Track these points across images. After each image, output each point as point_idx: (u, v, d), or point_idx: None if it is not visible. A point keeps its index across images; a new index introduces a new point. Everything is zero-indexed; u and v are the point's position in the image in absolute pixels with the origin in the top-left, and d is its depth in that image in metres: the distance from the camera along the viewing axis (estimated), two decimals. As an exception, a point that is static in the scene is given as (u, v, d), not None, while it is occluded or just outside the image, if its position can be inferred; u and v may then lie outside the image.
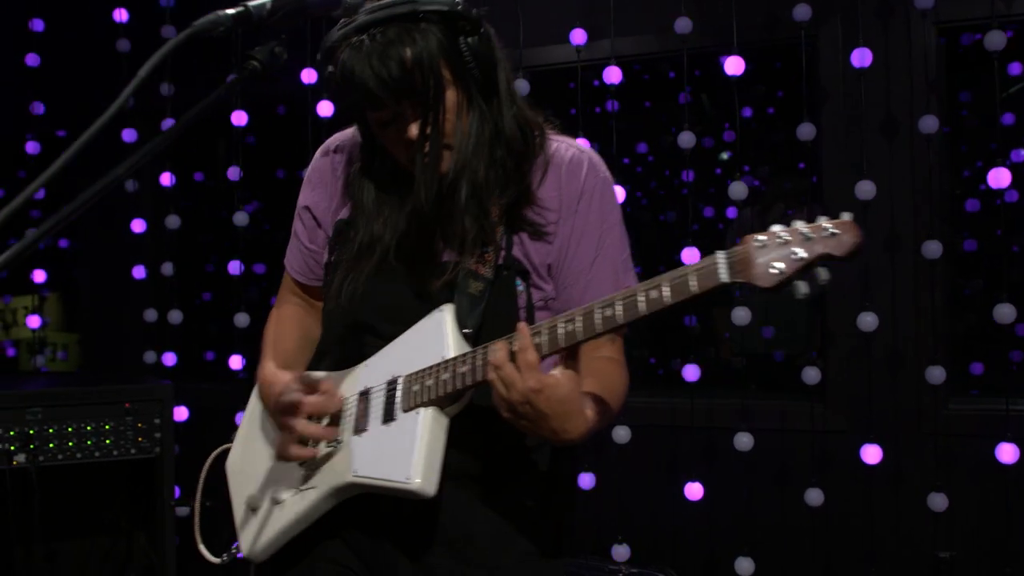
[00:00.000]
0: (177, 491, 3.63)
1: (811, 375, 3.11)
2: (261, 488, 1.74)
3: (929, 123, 2.99)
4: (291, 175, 3.74)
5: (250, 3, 1.09)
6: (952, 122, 3.02)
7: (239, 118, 3.73)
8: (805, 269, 1.23)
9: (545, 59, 3.66)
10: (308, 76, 3.67)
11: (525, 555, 1.63)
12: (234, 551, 1.78)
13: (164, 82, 3.90)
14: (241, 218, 3.75)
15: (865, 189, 3.02)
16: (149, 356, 4.06)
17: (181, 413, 3.86)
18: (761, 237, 1.25)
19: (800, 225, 1.24)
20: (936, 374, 2.98)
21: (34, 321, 4.25)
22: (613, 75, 3.30)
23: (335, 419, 1.65)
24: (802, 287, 1.23)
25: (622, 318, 1.33)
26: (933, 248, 2.98)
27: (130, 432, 3.35)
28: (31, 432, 3.21)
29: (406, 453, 1.49)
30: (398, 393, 1.56)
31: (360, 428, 1.60)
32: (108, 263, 4.39)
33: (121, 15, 3.97)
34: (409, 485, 1.46)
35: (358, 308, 1.65)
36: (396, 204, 1.62)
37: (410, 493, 1.47)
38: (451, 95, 1.50)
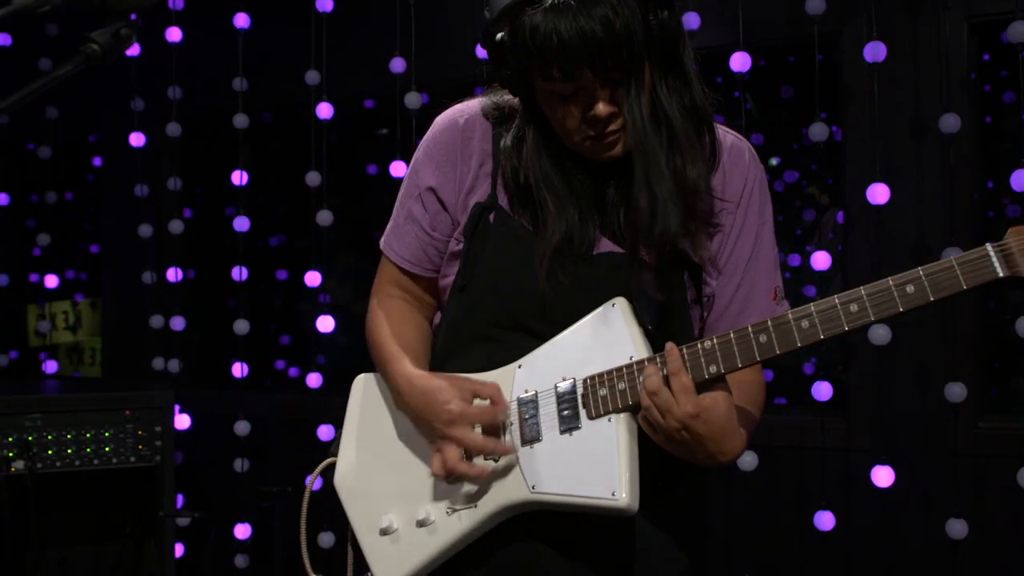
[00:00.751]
0: (180, 500, 3.59)
1: (822, 391, 2.93)
2: (397, 508, 1.56)
3: (950, 122, 2.79)
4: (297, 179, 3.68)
5: (88, -21, 0.98)
6: (992, 122, 2.83)
7: (241, 122, 3.67)
8: None
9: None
10: (311, 78, 3.60)
11: (689, 565, 1.55)
12: None
13: (171, 86, 3.86)
14: (242, 223, 3.68)
15: (879, 192, 2.83)
16: (158, 362, 4.02)
17: (183, 421, 3.81)
18: None
19: None
20: (956, 391, 2.78)
21: (44, 327, 4.27)
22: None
23: (491, 430, 1.48)
24: None
25: (830, 327, 1.28)
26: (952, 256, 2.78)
27: (130, 440, 3.34)
28: (30, 439, 3.21)
29: (606, 466, 1.36)
30: (578, 398, 1.43)
31: (530, 438, 1.46)
32: (124, 268, 4.38)
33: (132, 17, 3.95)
34: (617, 503, 1.33)
35: (509, 301, 1.52)
36: (564, 191, 1.48)
37: (615, 511, 1.35)
38: (647, 71, 1.38)
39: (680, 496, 1.56)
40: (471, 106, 1.61)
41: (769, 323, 1.31)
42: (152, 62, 3.91)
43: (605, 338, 1.43)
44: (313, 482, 1.67)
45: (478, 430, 1.47)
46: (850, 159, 3.15)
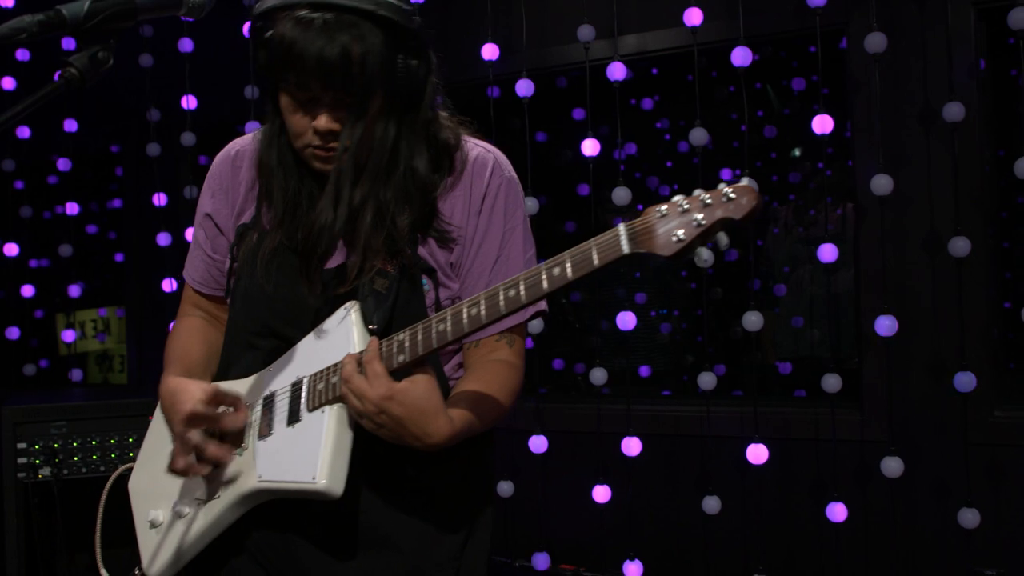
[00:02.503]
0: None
1: (831, 383, 2.94)
2: (162, 503, 1.66)
3: (954, 111, 2.79)
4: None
5: (65, 7, 1.02)
6: (1004, 110, 2.82)
7: (252, 129, 3.72)
8: (706, 235, 1.23)
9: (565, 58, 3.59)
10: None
11: (446, 559, 1.59)
12: (138, 573, 1.68)
13: (186, 94, 3.92)
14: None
15: (881, 183, 2.83)
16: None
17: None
18: (662, 207, 1.26)
19: (700, 192, 1.24)
20: (965, 381, 2.77)
21: (69, 336, 4.34)
22: (618, 71, 3.19)
23: (239, 431, 1.58)
24: (704, 254, 1.24)
25: (493, 312, 1.34)
26: (960, 246, 2.78)
27: (154, 445, 3.38)
28: (55, 446, 3.26)
29: (312, 453, 1.44)
30: (303, 393, 1.51)
31: (264, 432, 1.55)
32: (147, 277, 4.45)
33: (145, 29, 4.02)
34: (315, 486, 1.41)
35: (263, 313, 1.62)
36: (304, 207, 1.57)
37: (317, 494, 1.42)
38: (375, 104, 1.48)
39: (438, 480, 1.60)
40: (244, 139, 1.74)
41: (448, 313, 1.39)
42: (166, 72, 3.97)
43: (335, 339, 1.52)
44: (108, 487, 1.81)
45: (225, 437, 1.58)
46: (858, 151, 3.15)
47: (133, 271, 4.58)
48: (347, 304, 1.52)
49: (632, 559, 3.16)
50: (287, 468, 1.47)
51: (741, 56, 2.99)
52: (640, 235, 1.25)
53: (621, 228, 1.26)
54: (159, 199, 4.08)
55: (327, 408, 1.46)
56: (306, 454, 1.44)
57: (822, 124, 2.92)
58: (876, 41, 2.87)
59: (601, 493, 3.26)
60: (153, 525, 1.66)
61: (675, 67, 3.84)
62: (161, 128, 4.06)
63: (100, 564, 1.80)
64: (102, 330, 5.28)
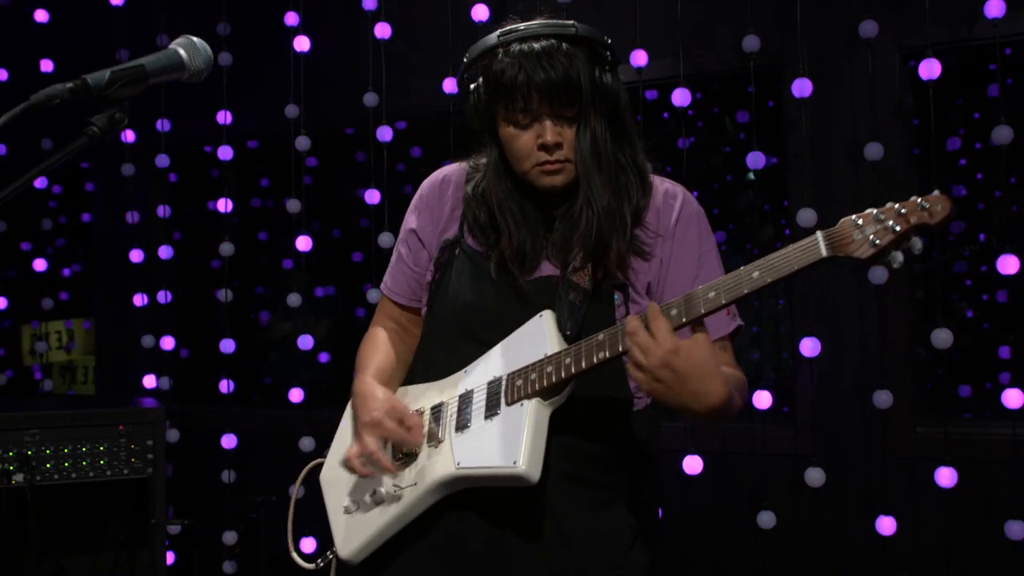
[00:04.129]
0: (170, 510, 3.77)
1: (763, 398, 3.17)
2: (358, 490, 1.80)
3: (874, 150, 3.04)
4: (276, 205, 3.92)
5: (89, 76, 1.22)
6: (931, 147, 3.04)
7: (225, 153, 3.91)
8: (900, 240, 1.36)
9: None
10: (291, 112, 3.84)
11: (617, 564, 1.71)
12: (329, 555, 1.84)
13: (161, 118, 4.09)
14: (227, 248, 3.91)
15: (806, 216, 3.08)
16: (149, 380, 4.23)
17: (173, 435, 4.01)
18: (856, 217, 1.39)
19: (893, 203, 1.39)
20: (883, 398, 3.01)
21: (42, 346, 4.47)
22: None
23: (434, 422, 1.76)
24: (899, 257, 1.37)
25: (724, 299, 1.45)
26: (878, 274, 3.02)
27: (124, 453, 3.49)
28: (29, 453, 3.36)
29: (512, 441, 1.57)
30: (501, 389, 1.66)
31: (462, 425, 1.70)
32: (115, 290, 4.58)
33: (122, 54, 4.19)
34: (516, 470, 1.54)
35: (462, 318, 1.79)
36: (519, 215, 1.76)
37: (516, 478, 1.55)
38: (592, 114, 1.69)
39: (616, 489, 1.74)
40: (452, 166, 1.94)
41: (703, 288, 1.50)
42: (142, 95, 4.12)
43: (530, 342, 1.68)
44: (303, 476, 1.97)
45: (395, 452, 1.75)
46: (792, 184, 3.38)
47: (102, 285, 4.71)
48: (542, 312, 1.69)
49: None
50: (487, 454, 1.61)
51: (680, 96, 3.23)
52: (837, 241, 1.39)
53: (819, 235, 1.40)
54: (132, 216, 4.24)
55: (525, 402, 1.61)
56: (507, 442, 1.59)
57: (755, 160, 3.16)
58: (803, 86, 3.12)
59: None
60: (347, 511, 1.81)
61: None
62: (135, 150, 4.22)
63: (292, 548, 1.92)
64: (68, 342, 5.37)
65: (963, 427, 3.21)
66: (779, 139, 3.49)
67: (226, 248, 3.91)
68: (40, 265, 4.43)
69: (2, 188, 1.10)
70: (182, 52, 1.34)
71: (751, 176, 5.66)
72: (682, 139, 3.36)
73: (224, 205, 3.95)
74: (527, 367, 1.64)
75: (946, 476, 2.94)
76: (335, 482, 1.89)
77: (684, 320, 1.48)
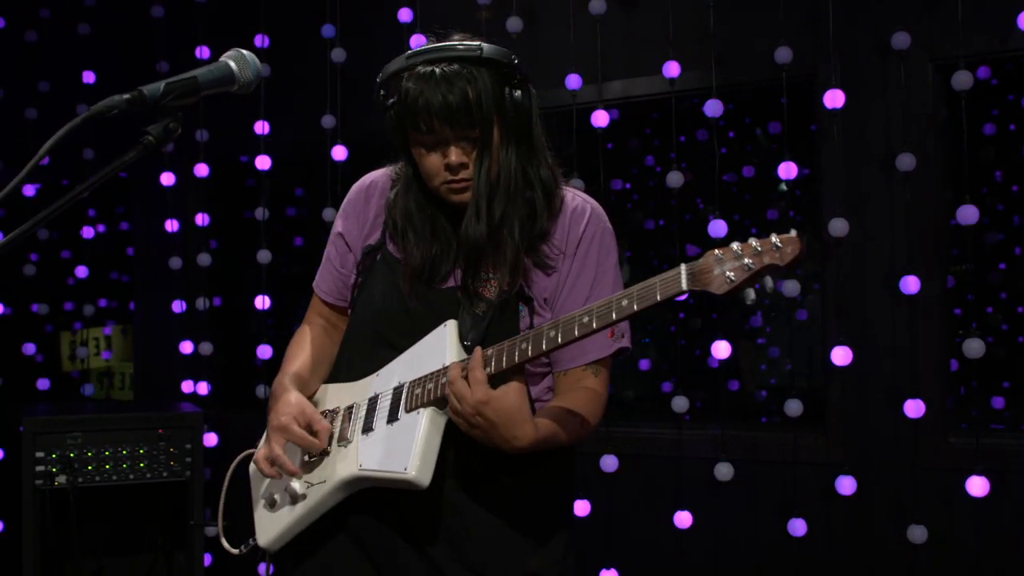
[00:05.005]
0: (208, 513, 3.83)
1: (793, 407, 3.18)
2: (275, 484, 1.92)
3: (906, 161, 3.05)
4: (313, 214, 3.98)
5: (145, 88, 1.27)
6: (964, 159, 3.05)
7: (263, 162, 3.98)
8: (753, 278, 1.42)
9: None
10: (327, 122, 3.90)
11: (527, 550, 1.81)
12: (252, 542, 1.96)
13: (199, 129, 4.18)
14: (264, 256, 3.98)
15: (837, 226, 3.09)
16: (187, 385, 4.30)
17: (211, 439, 4.08)
18: (719, 251, 1.45)
19: (753, 240, 1.43)
20: (915, 408, 3.02)
21: (82, 352, 4.56)
22: (601, 118, 3.46)
23: (346, 422, 1.85)
24: (750, 294, 1.47)
25: (595, 323, 1.54)
26: (911, 283, 3.03)
27: (163, 456, 3.58)
28: (71, 455, 3.45)
29: (406, 447, 1.67)
30: (403, 396, 1.75)
31: (368, 428, 1.79)
32: (154, 297, 4.68)
33: (162, 65, 4.27)
34: (406, 475, 1.65)
35: (378, 323, 1.88)
36: (426, 230, 1.83)
37: (407, 483, 1.65)
38: (495, 134, 1.75)
39: (518, 488, 1.82)
40: (380, 171, 2.01)
41: (530, 334, 1.61)
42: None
43: (433, 351, 1.77)
44: (233, 467, 2.07)
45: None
46: (824, 194, 3.39)
47: (141, 292, 4.80)
48: (446, 322, 1.77)
49: (608, 568, 3.38)
50: (384, 459, 1.72)
51: (712, 108, 3.26)
52: (699, 274, 1.45)
53: (683, 268, 1.46)
54: (171, 225, 4.32)
55: (422, 410, 1.70)
56: (401, 448, 1.69)
57: (787, 170, 3.18)
58: (835, 97, 3.13)
59: (580, 507, 3.50)
60: (267, 503, 1.93)
61: (663, 110, 4.08)
62: (173, 159, 4.31)
63: (221, 534, 2.06)
64: (105, 348, 5.46)
65: (995, 437, 3.20)
66: (811, 150, 3.50)
67: (263, 255, 3.98)
68: (81, 272, 4.52)
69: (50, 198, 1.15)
70: (232, 64, 1.40)
71: (783, 187, 5.68)
72: (719, 151, 3.39)
73: (261, 213, 4.02)
74: (426, 376, 1.73)
75: (978, 486, 2.94)
76: (258, 475, 1.99)
77: (560, 341, 1.57)
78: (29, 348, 4.60)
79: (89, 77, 4.50)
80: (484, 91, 1.70)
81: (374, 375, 1.87)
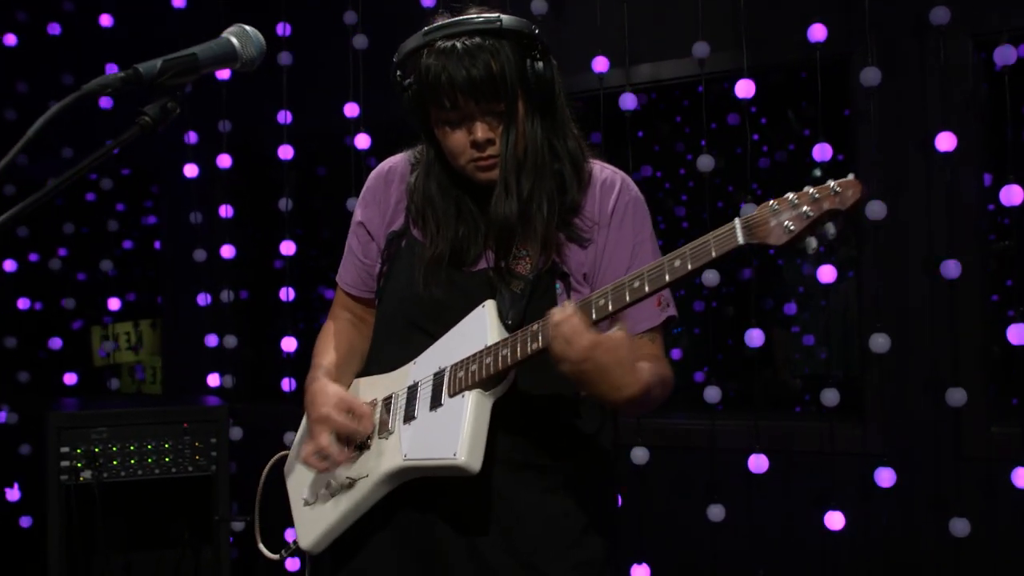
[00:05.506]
0: (234, 507, 3.81)
1: (829, 397, 3.08)
2: (315, 483, 1.86)
3: (947, 140, 2.94)
4: (336, 204, 3.92)
5: (141, 65, 1.21)
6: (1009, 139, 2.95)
7: (286, 152, 3.93)
8: (814, 225, 1.36)
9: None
10: (351, 110, 3.84)
11: (576, 539, 1.75)
12: (293, 546, 1.89)
13: (222, 119, 4.14)
14: (288, 247, 3.93)
15: (875, 209, 2.99)
16: (213, 379, 4.27)
17: (237, 433, 4.05)
18: (774, 202, 1.38)
19: (809, 188, 1.37)
20: (957, 396, 2.91)
21: (108, 347, 4.55)
22: (629, 101, 3.37)
23: (385, 413, 1.80)
24: (812, 243, 1.37)
25: (648, 287, 1.47)
26: (951, 268, 2.92)
27: (188, 451, 3.55)
28: (96, 450, 3.44)
29: (453, 432, 1.60)
30: (444, 381, 1.68)
31: (409, 417, 1.73)
32: (180, 291, 4.65)
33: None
34: (456, 461, 1.57)
35: (409, 310, 1.82)
36: (450, 213, 1.78)
37: (457, 469, 1.58)
38: (520, 107, 1.69)
39: (565, 475, 1.76)
40: (398, 156, 1.96)
41: (608, 288, 1.53)
42: (203, 96, 4.18)
43: (472, 333, 1.70)
44: (268, 470, 2.01)
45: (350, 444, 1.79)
46: (861, 179, 3.26)
47: (168, 286, 4.78)
48: (484, 303, 1.71)
49: (640, 563, 3.30)
50: (430, 446, 1.65)
51: (744, 88, 3.16)
52: (754, 227, 1.38)
53: (736, 222, 1.40)
54: (195, 217, 4.29)
55: (467, 393, 1.63)
56: (448, 433, 1.61)
57: (822, 152, 3.08)
58: (871, 76, 3.03)
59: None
60: (307, 503, 1.86)
61: (692, 96, 4.00)
62: (197, 151, 4.27)
63: (259, 539, 2.01)
64: (136, 342, 5.46)
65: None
66: (846, 132, 3.40)
67: (287, 247, 3.93)
68: (107, 266, 4.51)
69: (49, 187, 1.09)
70: (234, 41, 1.33)
71: (817, 172, 5.57)
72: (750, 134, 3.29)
73: (284, 204, 3.97)
74: (468, 358, 1.66)
75: (1022, 475, 2.83)
76: (295, 475, 1.94)
77: (611, 309, 1.51)
78: (56, 343, 4.60)
79: (112, 69, 4.48)
80: (507, 63, 1.65)
81: (411, 363, 1.81)
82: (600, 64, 3.48)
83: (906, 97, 3.21)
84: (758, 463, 3.19)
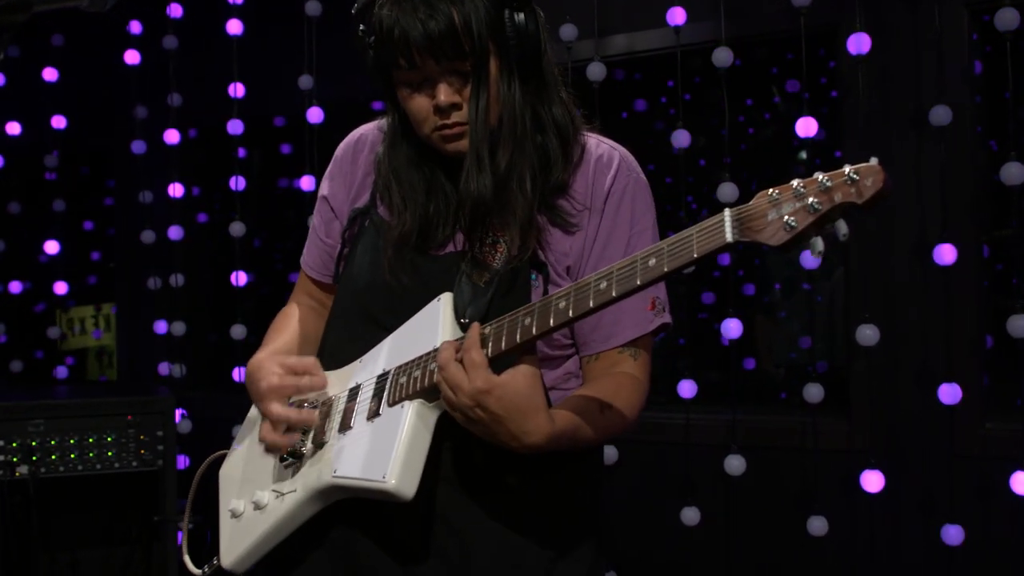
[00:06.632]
0: (182, 504, 3.61)
1: (813, 392, 2.87)
2: (243, 492, 1.62)
3: (940, 114, 2.73)
4: (290, 186, 3.72)
5: (-54, -2, 0.97)
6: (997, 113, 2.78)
7: (235, 127, 3.69)
8: (821, 222, 1.08)
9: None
10: (305, 83, 3.61)
11: (545, 568, 1.49)
12: (216, 562, 1.64)
13: (172, 92, 3.90)
14: (238, 229, 3.69)
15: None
16: (163, 367, 4.06)
17: (186, 426, 3.84)
18: (775, 191, 1.12)
19: (819, 174, 1.09)
20: (950, 392, 2.71)
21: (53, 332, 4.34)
22: (597, 72, 3.15)
23: (323, 419, 1.55)
24: (819, 244, 1.10)
25: (615, 291, 1.21)
26: (946, 252, 2.71)
27: (132, 444, 3.36)
28: (33, 444, 3.25)
29: (386, 450, 1.37)
30: (386, 386, 1.45)
31: (345, 425, 1.49)
32: (131, 275, 4.43)
33: (133, 26, 4.01)
34: (385, 485, 1.34)
35: (364, 299, 1.57)
36: (418, 188, 1.53)
37: (387, 494, 1.35)
38: (493, 66, 1.43)
39: (527, 496, 1.50)
40: (368, 125, 1.70)
41: (535, 305, 1.30)
42: (152, 69, 3.96)
43: (423, 331, 1.45)
44: (201, 472, 1.74)
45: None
46: (846, 154, 3.09)
47: (123, 268, 4.56)
48: (440, 296, 1.46)
49: (606, 570, 3.11)
50: (361, 464, 1.41)
51: (721, 56, 2.94)
52: (747, 221, 1.12)
53: (727, 213, 1.14)
54: (144, 196, 4.05)
55: (406, 403, 1.39)
56: (380, 451, 1.38)
57: (806, 127, 2.86)
58: (860, 41, 2.81)
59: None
60: (233, 515, 1.61)
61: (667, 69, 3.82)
62: (147, 125, 4.04)
63: (185, 553, 1.73)
64: (102, 326, 5.28)
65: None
66: (832, 109, 3.19)
67: (236, 228, 3.70)
68: (51, 248, 4.29)
69: None
70: (76, -27, 1.08)
71: (802, 155, 5.40)
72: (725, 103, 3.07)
73: (234, 183, 3.73)
74: (413, 361, 1.42)
75: (1021, 480, 2.63)
76: (228, 480, 1.70)
77: (572, 315, 1.26)
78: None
79: (58, 40, 4.26)
80: (475, 12, 1.38)
81: (357, 361, 1.57)
82: (568, 32, 3.25)
83: (897, 67, 3.01)
84: (734, 465, 2.98)
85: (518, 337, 1.29)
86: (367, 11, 1.45)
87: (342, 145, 1.72)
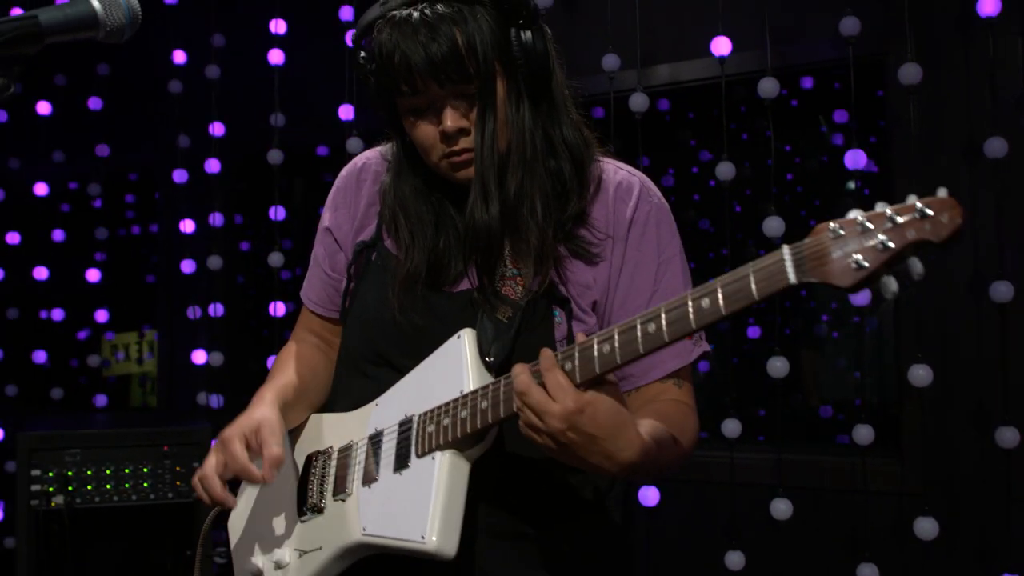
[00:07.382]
0: (218, 536, 3.57)
1: (863, 434, 2.76)
2: (262, 548, 1.54)
3: (995, 146, 2.63)
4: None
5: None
6: None
7: (275, 156, 3.68)
8: (894, 262, 0.99)
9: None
10: (345, 113, 3.59)
11: None
12: None
13: (214, 121, 3.91)
14: (276, 259, 3.67)
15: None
16: (201, 397, 4.04)
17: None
18: (836, 224, 1.02)
19: (884, 207, 1.00)
20: (1008, 436, 2.59)
21: (93, 360, 4.34)
22: (639, 103, 3.09)
23: (343, 468, 1.48)
24: (892, 285, 1.00)
25: (667, 335, 1.13)
26: (1003, 290, 2.60)
27: (168, 476, 3.33)
28: (69, 473, 3.23)
29: (421, 506, 1.29)
30: (412, 435, 1.37)
31: (369, 478, 1.41)
32: (172, 303, 4.43)
33: (177, 56, 4.02)
34: (425, 545, 1.27)
35: (375, 338, 1.50)
36: (426, 221, 1.47)
37: (427, 554, 1.28)
38: (500, 88, 1.37)
39: (559, 544, 1.43)
40: (371, 152, 1.63)
41: (614, 329, 1.19)
42: (194, 98, 3.97)
43: (445, 372, 1.37)
44: (209, 522, 1.62)
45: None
46: (897, 187, 3.00)
47: (164, 296, 4.56)
48: (460, 332, 1.38)
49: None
50: (395, 522, 1.33)
51: (766, 87, 2.87)
52: (810, 260, 1.03)
53: (785, 252, 1.05)
54: (185, 225, 4.05)
55: (437, 454, 1.32)
56: (416, 507, 1.30)
57: (855, 159, 2.77)
58: (911, 72, 2.73)
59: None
60: (253, 573, 1.54)
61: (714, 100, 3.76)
62: (188, 155, 4.04)
63: None
64: (146, 352, 5.29)
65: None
66: (882, 142, 3.10)
67: (275, 259, 3.67)
68: (92, 276, 4.30)
69: None
70: (95, 3, 1.04)
71: (851, 186, 5.29)
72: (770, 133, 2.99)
73: (274, 213, 3.71)
74: (439, 408, 1.34)
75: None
76: (241, 532, 1.62)
77: (619, 361, 1.17)
78: (40, 356, 4.38)
79: (103, 69, 4.29)
80: (479, 33, 1.32)
81: (373, 404, 1.49)
82: (610, 62, 3.19)
83: (949, 97, 2.93)
84: (780, 509, 2.87)
85: (598, 367, 1.19)
86: (366, 36, 1.40)
87: (344, 173, 1.65)
